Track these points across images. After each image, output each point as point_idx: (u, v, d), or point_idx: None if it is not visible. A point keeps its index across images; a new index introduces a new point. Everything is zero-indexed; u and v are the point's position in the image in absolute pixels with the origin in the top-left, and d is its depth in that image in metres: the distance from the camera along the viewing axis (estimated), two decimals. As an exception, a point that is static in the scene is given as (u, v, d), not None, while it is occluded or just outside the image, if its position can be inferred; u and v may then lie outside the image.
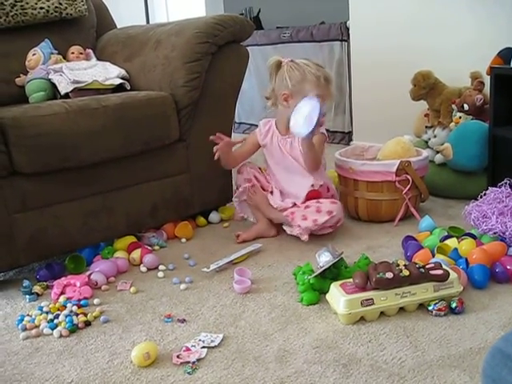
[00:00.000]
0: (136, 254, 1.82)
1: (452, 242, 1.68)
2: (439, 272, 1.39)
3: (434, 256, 1.61)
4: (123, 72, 2.15)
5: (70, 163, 1.73)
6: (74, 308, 1.51)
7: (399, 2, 2.91)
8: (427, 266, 1.41)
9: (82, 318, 1.46)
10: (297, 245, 1.90)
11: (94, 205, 1.82)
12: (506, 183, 1.83)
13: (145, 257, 1.79)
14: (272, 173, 2.05)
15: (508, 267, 1.53)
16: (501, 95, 2.08)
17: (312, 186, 1.93)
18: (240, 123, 4.27)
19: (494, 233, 1.68)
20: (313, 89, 1.87)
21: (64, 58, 2.22)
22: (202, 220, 2.14)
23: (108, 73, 2.13)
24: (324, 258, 1.51)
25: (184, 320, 1.44)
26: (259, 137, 2.04)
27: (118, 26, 2.59)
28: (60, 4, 2.28)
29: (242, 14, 5.11)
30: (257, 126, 4.04)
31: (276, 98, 1.97)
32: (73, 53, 2.25)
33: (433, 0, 2.78)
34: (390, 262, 1.43)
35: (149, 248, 1.89)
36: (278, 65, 1.96)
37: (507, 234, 1.66)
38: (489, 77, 2.12)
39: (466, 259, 1.57)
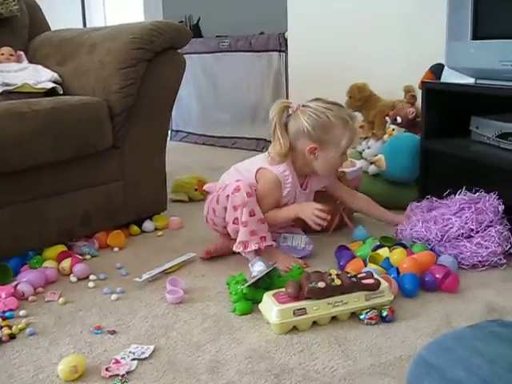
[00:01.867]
0: (66, 263, 1.76)
1: (384, 252, 1.71)
2: (370, 281, 1.41)
3: (366, 265, 1.64)
4: (56, 76, 2.09)
5: (-3, 169, 1.66)
6: (-2, 320, 1.44)
7: (337, 16, 2.97)
8: (359, 276, 1.43)
9: (6, 330, 1.39)
10: (230, 254, 1.89)
11: (22, 212, 1.76)
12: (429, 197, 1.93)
13: (75, 266, 1.74)
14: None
15: (437, 276, 1.57)
16: (432, 109, 2.14)
17: None
18: (177, 131, 4.23)
19: (421, 238, 1.76)
20: (345, 135, 1.71)
21: (-7, 59, 2.14)
22: (135, 229, 2.09)
23: (40, 76, 2.07)
24: (257, 268, 1.50)
25: (114, 331, 1.40)
26: (284, 191, 1.78)
27: (55, 29, 2.52)
28: (-10, 3, 2.21)
29: (181, 22, 5.09)
30: (194, 134, 4.11)
31: (284, 153, 1.72)
32: (2, 54, 2.17)
33: (371, 16, 2.85)
34: (323, 272, 1.44)
35: (80, 257, 1.83)
36: (283, 111, 1.74)
37: (432, 237, 1.75)
38: (421, 91, 2.19)
39: (397, 268, 1.60)
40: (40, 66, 2.15)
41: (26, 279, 1.64)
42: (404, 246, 1.75)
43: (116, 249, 1.95)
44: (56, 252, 1.83)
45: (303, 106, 1.73)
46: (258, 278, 1.48)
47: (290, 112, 1.75)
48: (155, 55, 1.97)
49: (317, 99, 1.75)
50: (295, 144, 1.73)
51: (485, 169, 1.93)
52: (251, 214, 1.71)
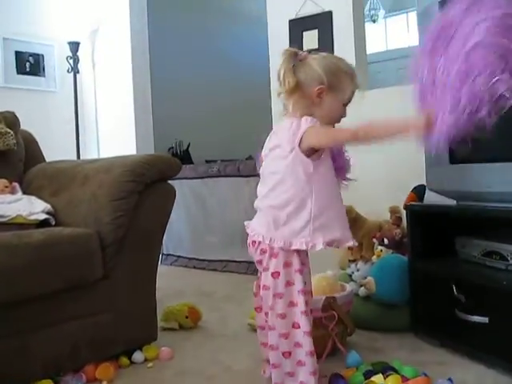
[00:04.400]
0: (51, 399, 1.70)
1: (378, 379, 1.68)
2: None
3: (361, 394, 1.60)
4: (48, 207, 2.13)
5: (-17, 302, 1.64)
6: None
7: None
8: (354, 407, 1.40)
9: None
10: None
11: (6, 347, 1.72)
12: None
13: (61, 403, 1.68)
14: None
15: (434, 403, 1.53)
16: (417, 230, 2.19)
17: None
18: (168, 255, 4.24)
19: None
20: (351, 83, 1.66)
21: (-12, 191, 2.19)
22: (124, 360, 2.04)
23: (33, 207, 2.11)
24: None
25: None
26: None
27: (49, 160, 2.61)
28: (-12, 137, 2.30)
29: (171, 148, 5.29)
30: (185, 258, 4.12)
31: (290, 89, 1.63)
32: (-3, 186, 2.23)
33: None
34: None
35: (66, 393, 1.78)
36: (294, 56, 1.65)
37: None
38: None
39: (393, 397, 1.56)
40: (33, 197, 2.19)
41: (9, 418, 1.58)
42: (394, 370, 1.72)
43: (104, 382, 1.89)
44: (41, 388, 1.77)
45: (314, 53, 1.69)
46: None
47: (298, 59, 1.66)
48: (146, 187, 2.03)
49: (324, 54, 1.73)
50: (304, 91, 1.64)
51: (473, 287, 1.94)
52: None
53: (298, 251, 1.57)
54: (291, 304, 1.56)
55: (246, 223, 1.73)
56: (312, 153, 1.57)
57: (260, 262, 1.63)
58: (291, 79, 1.62)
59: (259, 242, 1.62)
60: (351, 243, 1.63)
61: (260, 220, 1.66)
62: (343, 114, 1.69)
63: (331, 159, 1.68)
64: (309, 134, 1.56)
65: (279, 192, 1.60)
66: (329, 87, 1.63)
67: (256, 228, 1.65)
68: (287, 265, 1.57)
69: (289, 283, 1.56)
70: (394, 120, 1.55)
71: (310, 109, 1.65)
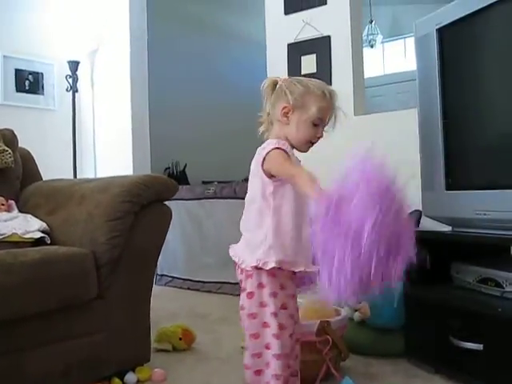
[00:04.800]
0: (42, 421, 1.68)
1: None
2: None
3: (355, 421, 1.59)
4: (44, 225, 2.13)
5: (-23, 321, 1.63)
6: None
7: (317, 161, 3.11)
8: (347, 434, 1.38)
9: None
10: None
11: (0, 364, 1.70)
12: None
13: (52, 424, 1.66)
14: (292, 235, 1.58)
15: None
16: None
17: None
18: (162, 275, 4.22)
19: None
20: (317, 102, 1.63)
21: (-16, 208, 2.19)
22: (116, 381, 2.01)
23: (29, 226, 2.11)
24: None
25: None
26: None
27: (46, 178, 2.61)
28: (-14, 155, 2.31)
29: (168, 168, 5.29)
30: (179, 278, 4.10)
31: (270, 120, 1.71)
32: (-6, 204, 2.23)
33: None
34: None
35: (57, 414, 1.76)
36: (274, 85, 1.71)
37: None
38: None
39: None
40: (29, 216, 2.19)
41: None
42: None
43: (96, 403, 1.88)
44: (33, 409, 1.76)
45: (289, 77, 1.72)
46: None
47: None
48: (142, 207, 2.03)
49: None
50: (275, 113, 1.68)
51: (468, 314, 1.94)
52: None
53: (272, 273, 1.55)
54: (264, 325, 1.55)
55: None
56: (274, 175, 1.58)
57: (241, 282, 1.63)
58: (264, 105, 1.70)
59: (238, 264, 1.62)
60: (310, 269, 1.56)
61: (240, 242, 1.67)
62: (317, 134, 1.65)
63: None
64: (270, 157, 1.57)
65: (250, 214, 1.62)
66: (294, 106, 1.63)
67: (236, 249, 1.66)
68: (261, 286, 1.56)
69: (262, 304, 1.55)
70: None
71: (281, 130, 1.66)
